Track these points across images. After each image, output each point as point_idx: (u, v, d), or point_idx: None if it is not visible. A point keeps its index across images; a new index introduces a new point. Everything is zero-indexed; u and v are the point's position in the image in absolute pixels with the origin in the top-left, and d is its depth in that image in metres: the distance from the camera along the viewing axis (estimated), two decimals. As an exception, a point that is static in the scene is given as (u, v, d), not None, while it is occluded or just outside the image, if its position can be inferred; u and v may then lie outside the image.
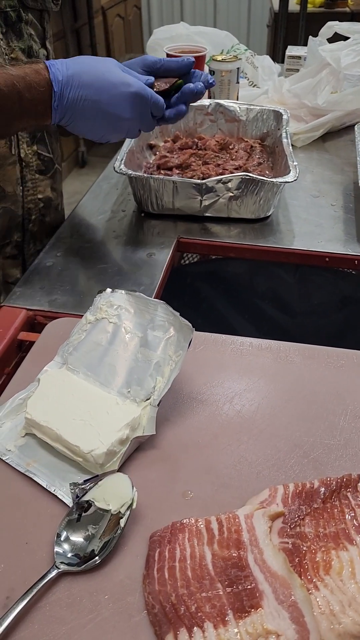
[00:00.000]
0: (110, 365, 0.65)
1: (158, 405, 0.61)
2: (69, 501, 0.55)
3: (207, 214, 1.01)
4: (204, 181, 0.95)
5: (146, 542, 0.52)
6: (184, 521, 0.52)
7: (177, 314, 0.63)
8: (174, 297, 0.80)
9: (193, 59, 0.85)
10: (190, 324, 0.62)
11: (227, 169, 1.08)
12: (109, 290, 0.69)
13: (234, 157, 1.15)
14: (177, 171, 1.09)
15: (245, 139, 1.22)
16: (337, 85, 1.32)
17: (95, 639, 0.46)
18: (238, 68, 1.32)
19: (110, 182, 1.16)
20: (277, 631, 0.43)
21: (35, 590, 0.47)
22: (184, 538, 0.51)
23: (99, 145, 3.44)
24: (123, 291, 0.69)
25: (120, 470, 0.57)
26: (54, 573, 0.49)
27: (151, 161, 1.15)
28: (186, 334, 0.62)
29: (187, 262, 1.23)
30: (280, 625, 0.44)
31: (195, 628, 0.44)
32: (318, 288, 1.18)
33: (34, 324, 0.82)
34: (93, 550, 0.51)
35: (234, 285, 1.21)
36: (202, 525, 0.51)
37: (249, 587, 0.46)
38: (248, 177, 0.95)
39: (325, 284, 1.18)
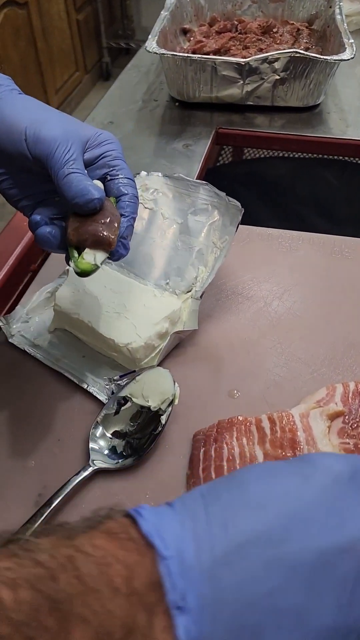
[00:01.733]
0: (147, 255, 0.58)
1: (200, 297, 0.54)
2: (103, 398, 0.50)
3: (249, 103, 0.90)
4: (246, 59, 0.84)
5: (189, 442, 0.47)
6: (232, 419, 0.47)
7: (223, 194, 0.56)
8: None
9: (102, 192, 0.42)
10: (239, 203, 0.54)
11: (271, 53, 0.95)
12: (143, 173, 0.61)
13: (278, 42, 1.02)
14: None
15: (291, 22, 1.08)
16: None
17: (136, 539, 0.42)
18: None
19: (140, 70, 1.05)
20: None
21: (69, 488, 0.43)
22: (232, 437, 0.45)
23: (124, 56, 3.23)
24: (160, 173, 0.60)
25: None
26: (89, 470, 0.44)
27: (185, 47, 1.02)
28: (233, 217, 0.55)
29: (221, 162, 1.12)
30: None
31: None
32: (367, 192, 1.07)
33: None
34: (131, 447, 0.46)
35: (274, 190, 1.11)
36: (252, 424, 0.46)
37: (307, 488, 0.41)
38: (298, 55, 0.83)
39: (376, 187, 1.07)
